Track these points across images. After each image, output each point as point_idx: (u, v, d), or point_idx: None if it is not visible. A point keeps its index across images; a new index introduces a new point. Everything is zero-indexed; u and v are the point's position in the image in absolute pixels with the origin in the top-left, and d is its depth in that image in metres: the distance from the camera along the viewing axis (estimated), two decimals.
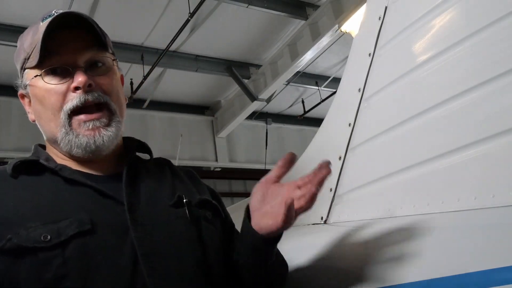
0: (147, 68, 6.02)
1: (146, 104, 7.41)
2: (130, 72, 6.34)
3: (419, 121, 1.02)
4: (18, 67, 1.00)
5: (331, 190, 1.27)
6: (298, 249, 1.14)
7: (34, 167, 0.95)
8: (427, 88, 1.02)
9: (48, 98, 0.94)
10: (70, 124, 0.94)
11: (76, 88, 0.93)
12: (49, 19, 0.95)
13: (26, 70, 0.98)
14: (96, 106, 0.95)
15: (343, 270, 1.01)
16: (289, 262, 1.14)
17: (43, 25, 0.95)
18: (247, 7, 5.23)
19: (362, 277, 0.94)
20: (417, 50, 1.06)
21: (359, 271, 0.96)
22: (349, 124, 1.24)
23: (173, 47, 6.01)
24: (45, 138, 1.02)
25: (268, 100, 7.24)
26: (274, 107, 8.47)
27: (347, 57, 1.36)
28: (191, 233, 0.99)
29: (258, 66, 7.01)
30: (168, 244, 0.94)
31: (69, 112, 0.93)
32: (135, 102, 6.74)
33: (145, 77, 6.12)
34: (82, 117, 0.94)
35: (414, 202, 1.01)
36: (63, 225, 0.86)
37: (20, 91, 1.02)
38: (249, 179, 8.58)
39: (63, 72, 0.94)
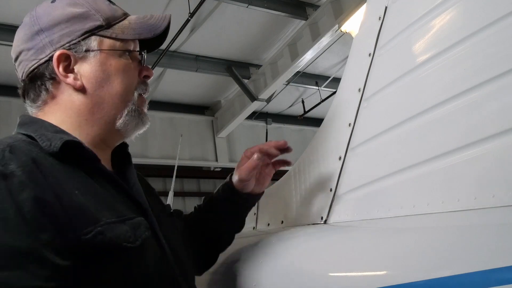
0: None
1: None
2: None
3: (419, 121, 1.02)
4: (80, 28, 0.93)
5: (331, 190, 1.27)
6: (298, 249, 1.14)
7: (69, 148, 0.85)
8: (427, 88, 1.02)
9: (128, 73, 0.96)
10: (136, 103, 0.98)
11: (146, 77, 1.01)
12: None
13: (98, 37, 0.94)
14: None
15: (343, 270, 1.01)
16: (289, 262, 1.14)
17: (121, 10, 1.01)
18: (247, 7, 5.24)
19: (362, 277, 0.94)
20: (417, 50, 1.06)
21: (359, 271, 0.96)
22: (349, 124, 1.24)
23: (173, 47, 6.01)
24: (85, 111, 0.93)
25: (268, 100, 7.24)
26: (274, 107, 8.47)
27: (347, 57, 1.36)
28: (182, 240, 1.06)
29: (258, 66, 7.02)
30: (179, 249, 0.98)
31: (140, 93, 1.00)
32: None
33: None
34: (142, 98, 1.01)
35: (414, 202, 1.01)
36: (136, 224, 0.82)
37: (65, 51, 0.91)
38: None
39: (137, 58, 0.99)
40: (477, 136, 0.89)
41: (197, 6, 4.90)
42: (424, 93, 1.03)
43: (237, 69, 6.92)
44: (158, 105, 7.67)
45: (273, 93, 7.16)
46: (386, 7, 1.19)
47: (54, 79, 0.93)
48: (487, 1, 0.93)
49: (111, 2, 1.02)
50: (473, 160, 0.89)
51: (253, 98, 6.76)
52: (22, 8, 5.06)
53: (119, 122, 0.96)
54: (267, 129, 8.26)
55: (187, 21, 5.10)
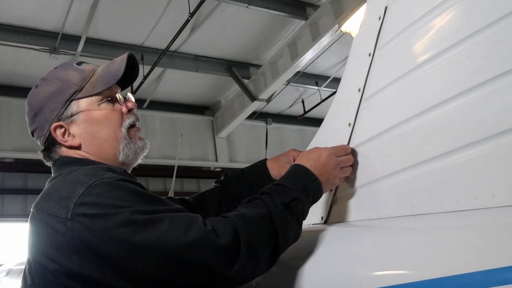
0: (147, 68, 6.03)
1: (146, 104, 7.41)
2: None
3: (419, 121, 1.02)
4: (61, 100, 1.13)
5: (331, 190, 1.27)
6: (298, 249, 1.14)
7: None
8: (427, 88, 1.02)
9: (111, 117, 1.16)
10: (129, 136, 1.18)
11: (130, 110, 1.21)
12: (124, 59, 1.18)
13: (76, 101, 1.14)
14: None
15: (343, 270, 1.01)
16: (289, 262, 1.14)
17: (89, 67, 1.19)
18: (247, 7, 5.24)
19: (361, 277, 0.94)
20: (417, 50, 1.06)
21: (359, 271, 0.96)
22: (349, 124, 1.24)
23: (173, 47, 6.01)
24: (93, 156, 1.14)
25: (268, 100, 7.25)
26: (274, 107, 8.47)
27: (347, 57, 1.36)
28: None
29: (258, 66, 7.02)
30: None
31: (128, 126, 1.19)
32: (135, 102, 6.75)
33: (145, 77, 6.12)
34: (135, 128, 1.21)
35: (414, 202, 1.01)
36: None
37: (57, 123, 1.13)
38: None
39: (116, 99, 1.19)
40: (477, 136, 0.89)
41: (197, 6, 4.91)
42: (424, 93, 1.03)
43: (237, 69, 6.92)
44: (158, 105, 7.67)
45: (273, 93, 7.16)
46: (386, 7, 1.19)
47: (59, 144, 1.15)
48: (487, 1, 0.93)
49: (79, 63, 1.20)
50: (473, 160, 0.89)
51: (253, 98, 6.76)
52: (22, 8, 5.07)
53: (120, 157, 1.17)
54: (267, 129, 8.26)
55: (187, 21, 5.11)
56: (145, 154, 1.23)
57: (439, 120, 0.98)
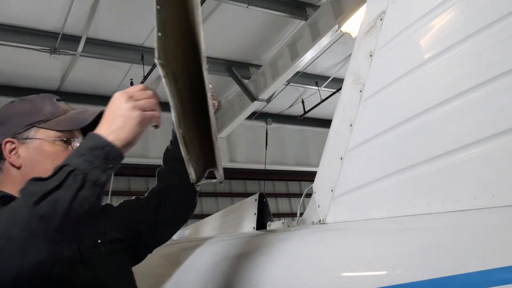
0: (147, 68, 6.02)
1: None
2: (130, 72, 6.33)
3: (419, 121, 1.02)
4: (25, 122, 1.20)
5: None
6: (297, 249, 1.14)
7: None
8: (427, 88, 1.02)
9: (58, 156, 1.17)
10: None
11: None
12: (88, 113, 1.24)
13: (37, 128, 1.20)
14: None
15: (342, 270, 1.01)
16: (288, 262, 1.14)
17: (64, 106, 1.28)
18: (247, 7, 5.23)
19: (361, 277, 0.94)
20: (417, 50, 1.06)
21: (358, 271, 0.96)
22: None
23: None
24: (17, 184, 1.11)
25: (268, 100, 7.24)
26: (274, 107, 8.46)
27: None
28: None
29: (258, 66, 7.01)
30: None
31: None
32: None
33: (145, 77, 6.12)
34: None
35: (414, 202, 1.01)
36: None
37: (11, 139, 1.19)
38: (249, 179, 8.56)
39: (71, 141, 1.23)
40: (477, 136, 0.89)
41: None
42: (424, 93, 1.03)
43: (237, 69, 6.91)
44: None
45: (273, 93, 7.15)
46: (386, 7, 1.19)
47: (4, 158, 1.20)
48: (487, 1, 0.93)
49: (59, 100, 1.29)
50: (473, 160, 0.89)
51: (253, 98, 6.76)
52: (22, 8, 5.07)
53: None
54: (267, 129, 8.24)
55: None
56: None
57: (439, 119, 0.98)
